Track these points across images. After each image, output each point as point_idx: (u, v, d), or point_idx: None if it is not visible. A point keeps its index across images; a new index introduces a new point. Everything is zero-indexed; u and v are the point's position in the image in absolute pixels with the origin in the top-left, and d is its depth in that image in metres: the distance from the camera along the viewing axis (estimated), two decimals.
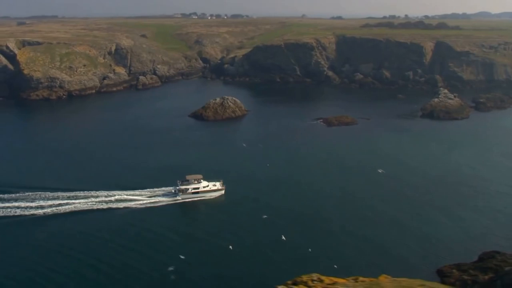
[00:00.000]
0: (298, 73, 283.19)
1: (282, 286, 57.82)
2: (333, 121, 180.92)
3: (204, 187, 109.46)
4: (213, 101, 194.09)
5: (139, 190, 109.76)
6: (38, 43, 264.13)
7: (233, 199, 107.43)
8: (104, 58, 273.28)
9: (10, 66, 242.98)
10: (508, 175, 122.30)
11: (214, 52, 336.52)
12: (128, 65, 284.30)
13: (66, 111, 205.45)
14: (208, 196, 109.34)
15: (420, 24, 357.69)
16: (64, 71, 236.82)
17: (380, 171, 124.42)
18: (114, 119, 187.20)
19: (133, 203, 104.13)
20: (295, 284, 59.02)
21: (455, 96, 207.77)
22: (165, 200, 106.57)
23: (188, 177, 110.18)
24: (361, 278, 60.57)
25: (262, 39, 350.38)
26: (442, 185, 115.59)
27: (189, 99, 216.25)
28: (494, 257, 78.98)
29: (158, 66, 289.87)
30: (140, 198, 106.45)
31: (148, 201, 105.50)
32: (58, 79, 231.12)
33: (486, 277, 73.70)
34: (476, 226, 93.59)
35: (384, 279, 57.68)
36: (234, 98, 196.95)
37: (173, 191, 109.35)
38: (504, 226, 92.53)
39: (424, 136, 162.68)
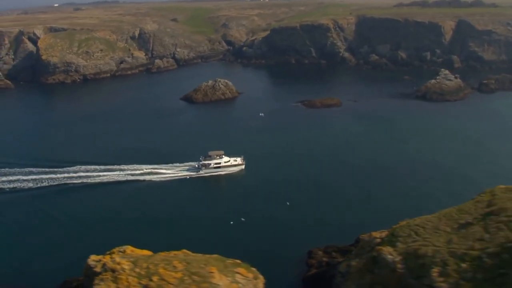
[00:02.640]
0: (314, 54, 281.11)
1: (94, 256, 62.60)
2: (316, 103, 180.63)
3: (225, 162, 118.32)
4: (205, 83, 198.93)
5: (165, 165, 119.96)
6: (63, 29, 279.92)
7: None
8: (125, 43, 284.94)
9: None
10: (445, 162, 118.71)
11: (239, 35, 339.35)
12: (151, 49, 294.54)
13: (76, 94, 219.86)
14: (229, 170, 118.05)
15: (454, 3, 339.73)
16: (80, 56, 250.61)
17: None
18: (116, 102, 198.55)
19: (160, 176, 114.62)
20: (109, 254, 64.01)
21: (456, 77, 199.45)
22: (189, 174, 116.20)
23: (210, 153, 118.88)
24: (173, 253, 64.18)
25: (291, 21, 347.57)
26: (362, 171, 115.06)
27: (191, 82, 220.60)
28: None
29: (178, 50, 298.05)
30: (166, 172, 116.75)
31: (174, 175, 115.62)
32: (73, 63, 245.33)
33: (341, 259, 74.37)
34: (378, 210, 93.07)
35: (177, 253, 60.77)
36: (226, 81, 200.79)
37: (196, 166, 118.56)
38: (401, 211, 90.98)
39: (392, 120, 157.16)
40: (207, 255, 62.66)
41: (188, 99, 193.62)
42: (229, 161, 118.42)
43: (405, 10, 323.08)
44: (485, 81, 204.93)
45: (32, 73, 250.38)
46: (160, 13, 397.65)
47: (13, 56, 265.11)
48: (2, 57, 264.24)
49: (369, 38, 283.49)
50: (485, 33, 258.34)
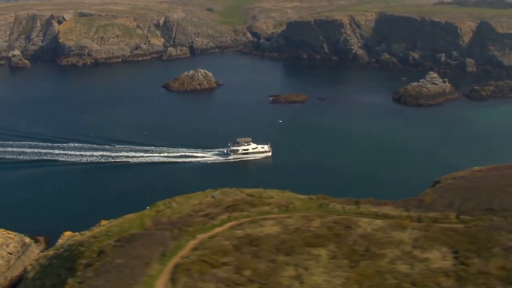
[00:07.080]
0: (326, 50, 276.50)
1: None
2: (281, 99, 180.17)
3: (253, 148, 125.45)
4: (186, 73, 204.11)
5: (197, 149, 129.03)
6: (91, 15, 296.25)
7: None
8: (147, 30, 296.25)
9: None
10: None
11: (265, 27, 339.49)
12: (173, 37, 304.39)
13: (81, 75, 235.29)
14: (257, 157, 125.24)
15: (499, 3, 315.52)
16: (95, 41, 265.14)
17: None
18: (103, 84, 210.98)
19: (192, 159, 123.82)
20: None
21: (444, 82, 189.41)
22: (219, 159, 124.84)
23: (239, 139, 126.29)
24: None
25: (324, 15, 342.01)
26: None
27: (183, 70, 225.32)
28: None
29: (197, 39, 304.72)
30: (198, 155, 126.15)
31: (206, 159, 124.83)
32: (87, 47, 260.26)
33: None
34: None
35: None
36: (206, 71, 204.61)
37: (225, 151, 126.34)
38: None
39: (323, 124, 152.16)
40: None
41: (166, 87, 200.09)
42: (256, 148, 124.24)
43: (437, 8, 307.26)
44: (477, 87, 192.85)
45: (52, 54, 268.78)
46: (199, 2, 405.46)
47: (42, 38, 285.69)
48: (33, 38, 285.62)
49: (387, 36, 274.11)
50: (507, 36, 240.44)
